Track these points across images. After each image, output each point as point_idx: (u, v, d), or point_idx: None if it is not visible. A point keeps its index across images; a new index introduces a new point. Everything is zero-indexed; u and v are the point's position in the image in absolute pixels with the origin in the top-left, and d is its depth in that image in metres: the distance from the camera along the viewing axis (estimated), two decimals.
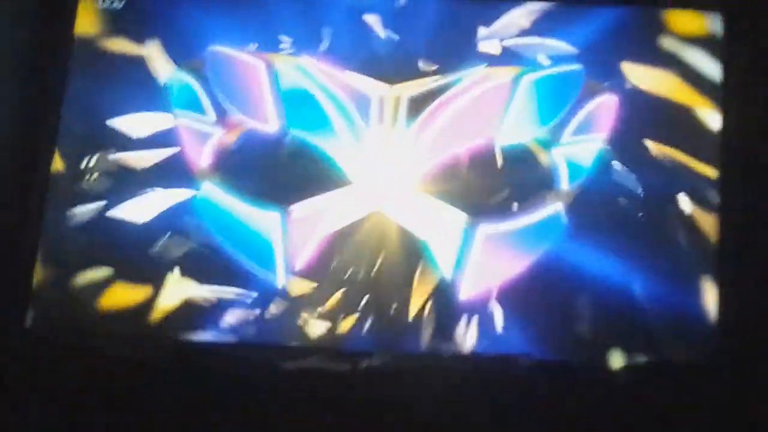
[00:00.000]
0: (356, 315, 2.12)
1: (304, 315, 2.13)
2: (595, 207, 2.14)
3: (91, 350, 2.10)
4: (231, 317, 2.14)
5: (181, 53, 2.24)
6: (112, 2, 2.27)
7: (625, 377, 2.03)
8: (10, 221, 2.20)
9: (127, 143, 2.22)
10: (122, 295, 2.16)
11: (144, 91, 2.23)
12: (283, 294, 2.14)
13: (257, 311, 2.14)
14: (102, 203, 2.19)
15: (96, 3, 2.27)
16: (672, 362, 2.07)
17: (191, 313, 2.14)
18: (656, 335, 2.07)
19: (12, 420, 2.04)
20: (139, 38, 2.25)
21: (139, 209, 2.19)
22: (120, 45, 2.25)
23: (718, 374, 2.04)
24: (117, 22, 2.25)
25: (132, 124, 2.23)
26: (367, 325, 2.12)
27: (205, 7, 2.24)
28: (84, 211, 2.19)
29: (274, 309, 2.14)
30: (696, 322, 2.10)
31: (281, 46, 2.22)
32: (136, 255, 2.17)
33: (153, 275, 2.16)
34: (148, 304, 2.15)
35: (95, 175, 2.21)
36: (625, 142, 2.16)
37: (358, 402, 2.03)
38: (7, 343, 2.13)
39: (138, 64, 2.24)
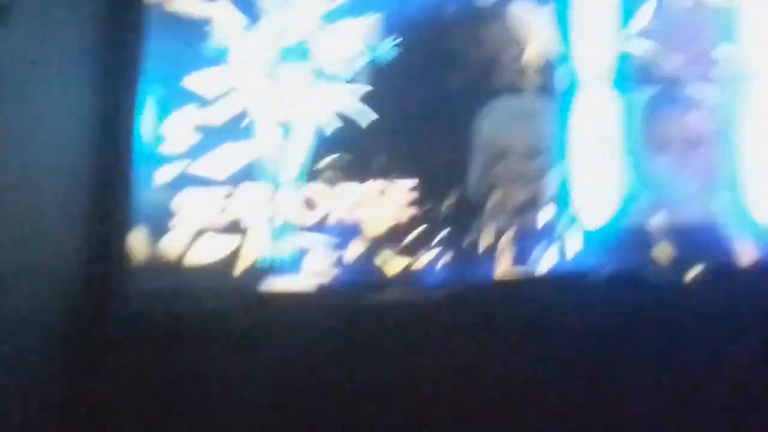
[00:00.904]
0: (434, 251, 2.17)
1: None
2: None
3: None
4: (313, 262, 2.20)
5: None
6: None
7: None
8: (102, 192, 2.28)
9: (201, 102, 2.30)
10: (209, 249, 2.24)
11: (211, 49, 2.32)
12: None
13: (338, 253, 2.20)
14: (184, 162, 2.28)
15: None
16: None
17: (275, 263, 2.21)
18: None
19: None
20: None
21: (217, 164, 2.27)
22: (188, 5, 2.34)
23: None
24: None
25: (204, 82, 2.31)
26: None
27: None
28: (168, 171, 2.28)
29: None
30: None
31: None
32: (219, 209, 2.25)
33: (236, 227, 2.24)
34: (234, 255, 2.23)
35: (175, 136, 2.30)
36: None
37: (433, 331, 2.07)
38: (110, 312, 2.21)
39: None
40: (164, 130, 2.30)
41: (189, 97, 2.30)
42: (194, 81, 2.31)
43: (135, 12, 2.35)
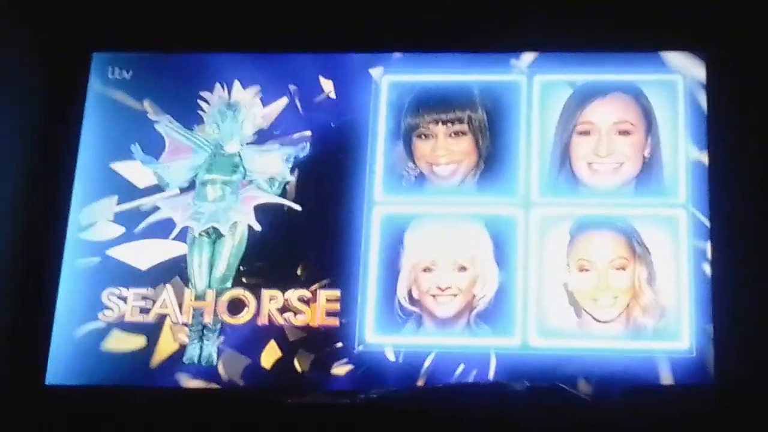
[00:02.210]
0: None
1: None
2: None
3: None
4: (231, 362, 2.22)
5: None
6: (121, 73, 2.40)
7: None
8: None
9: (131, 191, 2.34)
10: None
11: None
12: None
13: None
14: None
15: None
16: None
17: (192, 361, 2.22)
18: None
19: None
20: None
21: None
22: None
23: None
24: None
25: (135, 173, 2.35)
26: None
27: None
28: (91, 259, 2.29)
29: None
30: None
31: None
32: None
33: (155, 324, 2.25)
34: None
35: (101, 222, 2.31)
36: None
37: None
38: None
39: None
40: (89, 216, 2.32)
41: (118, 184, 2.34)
42: (126, 169, 2.35)
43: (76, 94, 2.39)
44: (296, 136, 2.33)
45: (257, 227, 2.28)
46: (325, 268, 2.24)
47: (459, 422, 2.00)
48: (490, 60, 2.34)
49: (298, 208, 2.28)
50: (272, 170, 2.31)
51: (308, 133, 2.33)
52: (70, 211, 2.31)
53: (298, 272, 2.24)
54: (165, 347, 2.22)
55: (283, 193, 2.30)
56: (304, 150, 2.31)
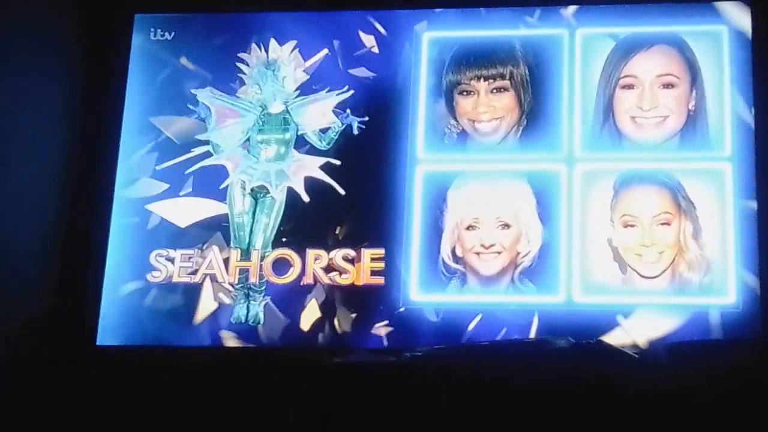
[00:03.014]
0: None
1: None
2: None
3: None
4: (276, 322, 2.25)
5: None
6: (163, 35, 2.41)
7: None
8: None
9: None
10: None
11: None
12: None
13: None
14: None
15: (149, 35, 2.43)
16: None
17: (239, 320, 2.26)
18: None
19: None
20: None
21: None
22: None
23: None
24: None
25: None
26: None
27: None
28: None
29: None
30: None
31: None
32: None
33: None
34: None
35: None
36: None
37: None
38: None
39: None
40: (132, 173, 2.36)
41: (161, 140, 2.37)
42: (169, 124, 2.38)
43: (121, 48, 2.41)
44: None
45: (305, 198, 2.28)
46: (369, 227, 2.25)
47: (503, 380, 2.01)
48: (532, 13, 2.32)
49: (342, 191, 2.28)
50: (322, 121, 2.32)
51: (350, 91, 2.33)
52: (116, 172, 2.35)
53: (343, 231, 2.26)
54: (206, 306, 2.25)
55: (336, 149, 2.31)
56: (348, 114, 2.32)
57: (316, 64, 2.36)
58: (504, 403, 1.91)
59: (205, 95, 2.36)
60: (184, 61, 2.40)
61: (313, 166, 2.30)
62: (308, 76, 2.35)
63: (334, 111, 2.32)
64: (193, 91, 2.37)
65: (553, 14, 2.31)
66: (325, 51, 2.36)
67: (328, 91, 2.33)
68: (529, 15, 2.32)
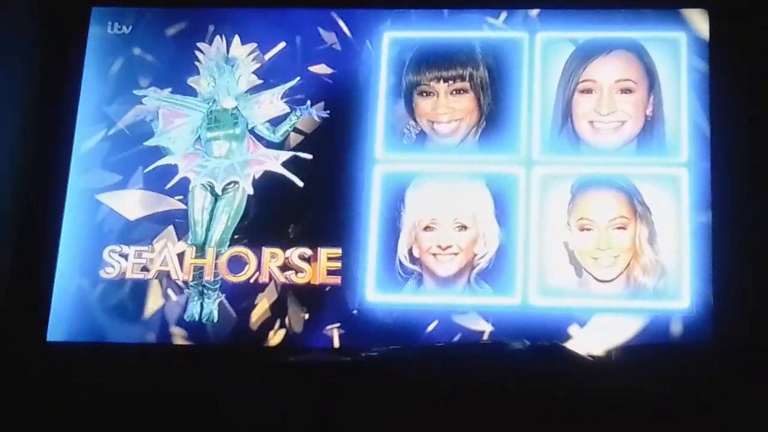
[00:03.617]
0: None
1: None
2: None
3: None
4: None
5: None
6: (120, 28, 2.38)
7: None
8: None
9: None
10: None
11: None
12: None
13: None
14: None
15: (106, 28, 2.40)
16: None
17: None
18: None
19: None
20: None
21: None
22: None
23: None
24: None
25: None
26: None
27: None
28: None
29: None
30: None
31: None
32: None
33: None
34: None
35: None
36: None
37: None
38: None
39: None
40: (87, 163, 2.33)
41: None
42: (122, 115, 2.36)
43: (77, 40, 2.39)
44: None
45: (250, 191, 2.27)
46: (326, 226, 2.24)
47: (458, 381, 2.01)
48: (495, 16, 2.33)
49: (300, 183, 2.27)
50: (270, 110, 2.31)
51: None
52: (70, 165, 2.32)
53: (299, 230, 2.25)
54: (158, 303, 2.24)
55: (288, 143, 2.30)
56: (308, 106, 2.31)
57: (274, 60, 2.35)
58: (459, 405, 1.91)
59: (149, 99, 2.34)
60: (139, 52, 2.37)
61: (270, 163, 2.28)
62: (261, 81, 2.34)
63: (287, 102, 2.31)
64: (136, 92, 2.35)
65: (514, 18, 2.32)
66: (283, 44, 2.35)
67: (272, 86, 2.34)
68: (493, 17, 2.32)
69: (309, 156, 2.28)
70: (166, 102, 2.34)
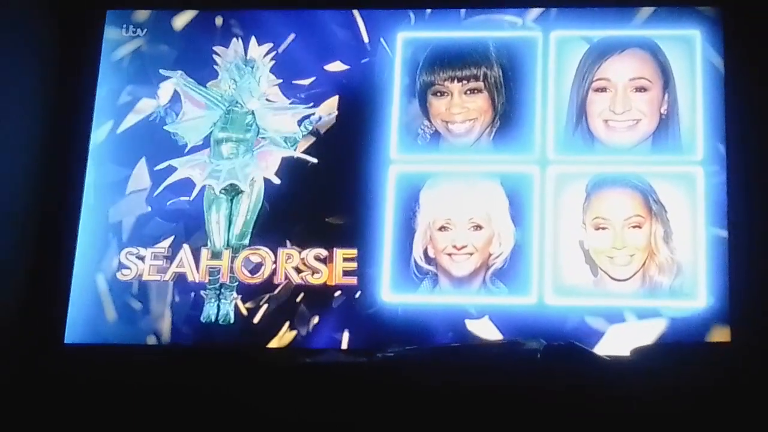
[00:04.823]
0: None
1: None
2: None
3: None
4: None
5: None
6: (135, 30, 2.39)
7: None
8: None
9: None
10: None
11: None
12: None
13: None
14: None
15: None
16: None
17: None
18: None
19: None
20: None
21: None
22: None
23: None
24: None
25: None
26: None
27: None
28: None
29: None
30: None
31: None
32: None
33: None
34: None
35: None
36: None
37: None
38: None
39: None
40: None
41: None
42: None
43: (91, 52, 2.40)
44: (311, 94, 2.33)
45: (276, 181, 2.28)
46: (342, 226, 2.25)
47: (474, 381, 2.01)
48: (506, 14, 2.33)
49: (314, 160, 2.28)
50: (285, 129, 2.31)
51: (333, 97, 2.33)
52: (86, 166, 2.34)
53: (315, 230, 2.25)
54: (175, 304, 2.25)
55: (309, 148, 2.31)
56: (317, 119, 2.31)
57: (290, 57, 2.36)
58: (475, 405, 1.91)
59: (175, 81, 2.35)
60: (153, 53, 2.39)
61: (281, 151, 2.30)
62: (281, 80, 2.35)
63: (297, 123, 2.32)
64: (162, 71, 2.36)
65: (529, 16, 2.31)
66: (293, 36, 2.36)
67: (291, 103, 2.33)
68: (508, 16, 2.32)
69: (314, 160, 2.28)
70: (190, 88, 2.35)
